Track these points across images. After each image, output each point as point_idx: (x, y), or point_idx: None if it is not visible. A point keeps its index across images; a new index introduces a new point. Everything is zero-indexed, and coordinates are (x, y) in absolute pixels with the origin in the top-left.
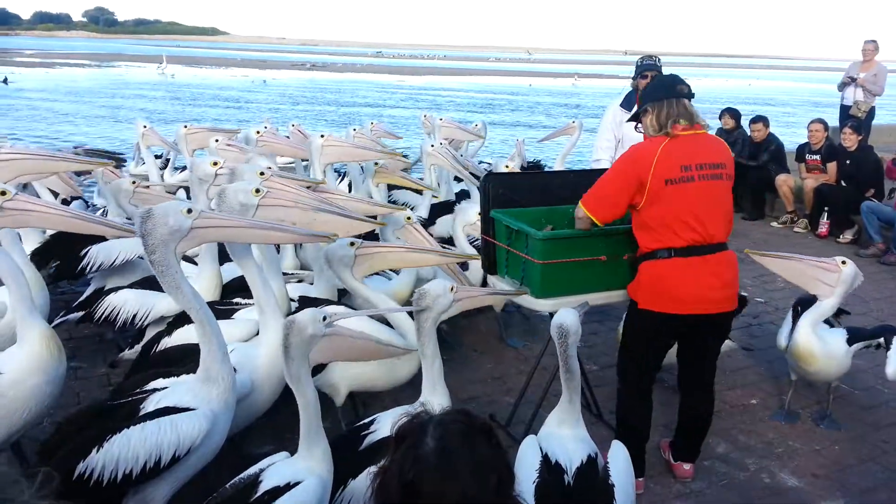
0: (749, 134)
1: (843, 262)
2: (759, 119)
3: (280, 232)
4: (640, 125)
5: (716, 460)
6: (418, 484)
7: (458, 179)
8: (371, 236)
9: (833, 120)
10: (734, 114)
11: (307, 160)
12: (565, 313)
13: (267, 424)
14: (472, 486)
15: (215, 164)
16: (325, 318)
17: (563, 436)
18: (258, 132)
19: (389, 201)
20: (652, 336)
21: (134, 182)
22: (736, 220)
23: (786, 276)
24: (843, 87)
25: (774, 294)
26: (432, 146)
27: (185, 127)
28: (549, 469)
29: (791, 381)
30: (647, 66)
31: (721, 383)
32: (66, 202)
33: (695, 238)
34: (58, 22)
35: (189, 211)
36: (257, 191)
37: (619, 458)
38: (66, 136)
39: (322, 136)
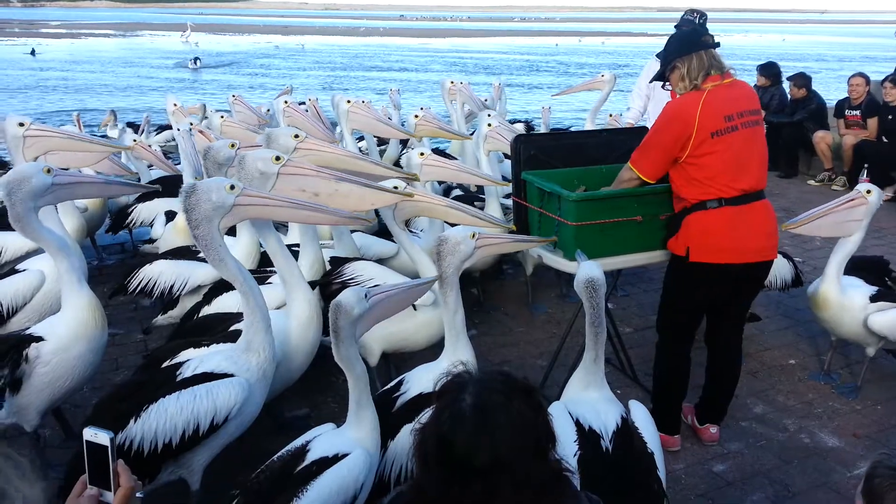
0: (787, 91)
1: (868, 192)
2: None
3: (320, 213)
4: (667, 83)
5: (753, 421)
6: (453, 439)
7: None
8: None
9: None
10: (768, 70)
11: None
12: (589, 266)
13: (300, 388)
14: (507, 445)
15: (233, 146)
16: (366, 296)
17: (591, 399)
18: (286, 102)
19: None
20: (703, 289)
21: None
22: (771, 179)
23: (825, 234)
24: None
25: (813, 253)
26: (489, 125)
27: (222, 117)
28: (586, 437)
29: (832, 341)
30: (685, 21)
31: (758, 344)
32: None
33: (744, 187)
34: None
35: (232, 187)
36: (277, 158)
37: (641, 419)
38: (94, 106)
39: (349, 101)
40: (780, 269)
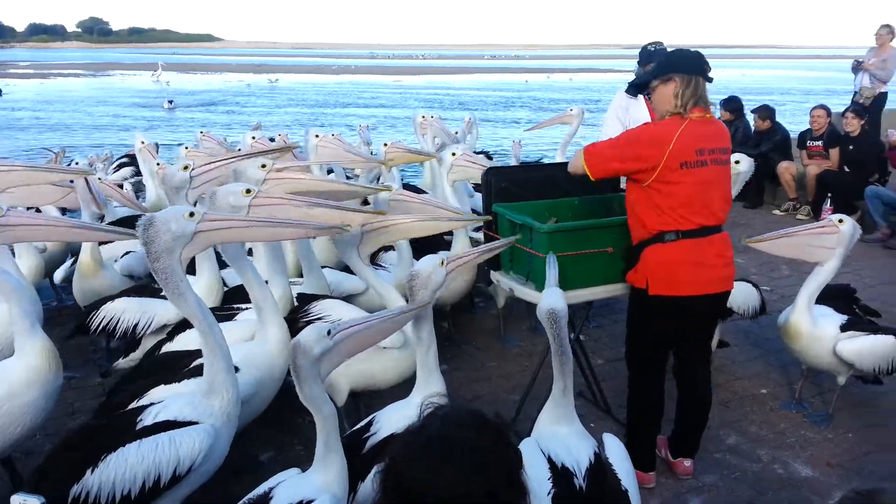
0: (751, 124)
1: (841, 221)
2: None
3: (288, 227)
4: (650, 93)
5: (727, 452)
6: (412, 473)
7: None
8: None
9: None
10: (731, 104)
11: None
12: (551, 296)
13: (265, 430)
14: (468, 482)
15: (186, 167)
16: (329, 332)
17: (562, 434)
18: (253, 138)
19: None
20: (663, 321)
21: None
22: (736, 209)
23: (788, 255)
24: (855, 70)
25: (780, 282)
26: (454, 154)
27: (186, 148)
28: (558, 475)
29: (802, 369)
30: (661, 52)
31: (729, 374)
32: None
33: (702, 221)
34: (52, 33)
35: (191, 214)
36: (248, 191)
37: (615, 453)
38: (71, 143)
39: (317, 135)
40: (749, 298)
